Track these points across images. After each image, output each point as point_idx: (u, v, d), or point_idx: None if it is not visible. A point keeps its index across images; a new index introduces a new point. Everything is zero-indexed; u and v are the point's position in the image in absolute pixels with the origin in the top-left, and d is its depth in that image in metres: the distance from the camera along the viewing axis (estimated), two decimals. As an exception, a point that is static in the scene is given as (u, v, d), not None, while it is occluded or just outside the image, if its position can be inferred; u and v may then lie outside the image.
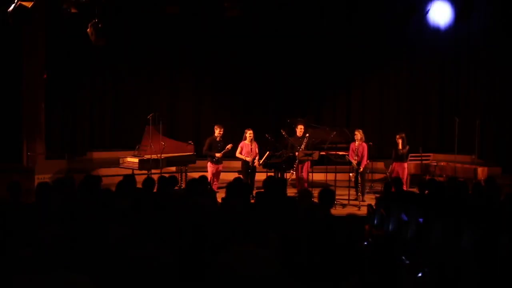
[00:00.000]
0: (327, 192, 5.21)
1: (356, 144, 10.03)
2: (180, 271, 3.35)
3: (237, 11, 11.14)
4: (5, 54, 11.15)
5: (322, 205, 5.09)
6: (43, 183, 5.51)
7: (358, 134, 10.05)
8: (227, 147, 9.78)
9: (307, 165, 10.14)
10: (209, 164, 9.89)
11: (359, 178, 10.02)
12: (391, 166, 10.44)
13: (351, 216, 4.35)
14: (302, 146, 9.90)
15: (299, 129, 10.16)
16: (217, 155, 9.75)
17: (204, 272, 3.34)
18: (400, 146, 10.22)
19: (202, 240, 3.84)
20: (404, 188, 9.73)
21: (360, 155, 9.92)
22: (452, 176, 9.67)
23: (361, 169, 9.94)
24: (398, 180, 7.50)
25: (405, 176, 10.25)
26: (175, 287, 3.29)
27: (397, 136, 10.36)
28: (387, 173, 10.52)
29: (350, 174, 9.94)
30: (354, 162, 9.81)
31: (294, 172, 9.99)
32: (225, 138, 10.08)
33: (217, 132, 9.94)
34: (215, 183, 9.78)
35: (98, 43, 10.48)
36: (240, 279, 3.14)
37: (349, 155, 9.96)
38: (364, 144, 10.06)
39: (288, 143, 10.26)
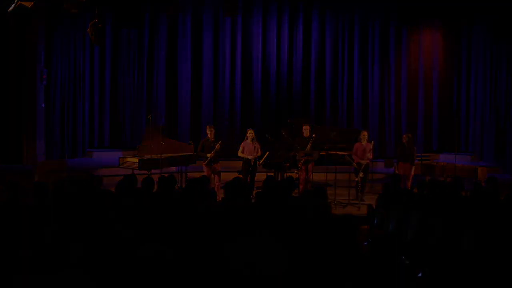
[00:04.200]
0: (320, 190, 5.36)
1: (363, 144, 10.08)
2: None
3: (237, 11, 11.14)
4: (5, 54, 11.15)
5: (322, 204, 5.12)
6: (39, 183, 5.50)
7: (367, 135, 10.13)
8: (216, 146, 9.74)
9: (311, 165, 10.15)
10: (204, 165, 9.87)
11: (361, 178, 10.02)
12: (396, 165, 10.46)
13: (351, 216, 4.35)
14: (308, 147, 9.90)
15: (305, 130, 10.18)
16: (208, 155, 9.72)
17: (204, 271, 3.34)
18: (406, 145, 10.31)
19: (201, 240, 3.84)
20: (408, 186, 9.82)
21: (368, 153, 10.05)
22: (456, 176, 9.68)
23: (370, 161, 10.06)
24: (396, 177, 7.48)
25: (410, 176, 10.25)
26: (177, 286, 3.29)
27: (404, 136, 10.45)
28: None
29: (360, 174, 9.85)
30: (363, 162, 9.80)
31: (297, 171, 9.97)
32: (225, 138, 10.06)
33: (209, 133, 9.93)
34: (217, 183, 9.77)
35: (98, 43, 10.48)
36: (244, 277, 3.14)
37: (357, 156, 9.98)
38: (369, 144, 10.13)
39: (289, 143, 10.25)
